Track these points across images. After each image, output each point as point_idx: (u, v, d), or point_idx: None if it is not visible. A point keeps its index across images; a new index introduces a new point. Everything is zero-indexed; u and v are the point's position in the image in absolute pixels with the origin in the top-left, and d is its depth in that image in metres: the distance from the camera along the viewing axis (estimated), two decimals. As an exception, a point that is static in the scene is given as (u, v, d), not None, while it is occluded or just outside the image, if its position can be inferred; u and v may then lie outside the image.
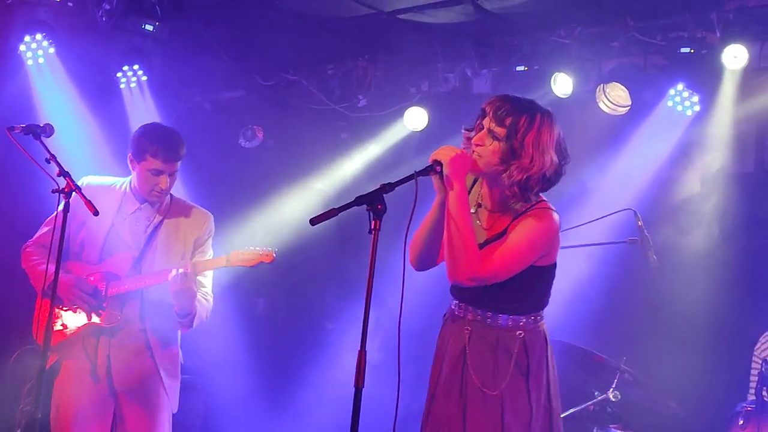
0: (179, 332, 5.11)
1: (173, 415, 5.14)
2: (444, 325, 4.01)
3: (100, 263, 4.92)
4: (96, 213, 4.44)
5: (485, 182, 3.88)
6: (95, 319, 4.86)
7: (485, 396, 3.77)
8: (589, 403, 5.88)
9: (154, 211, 5.05)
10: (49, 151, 4.50)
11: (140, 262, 4.94)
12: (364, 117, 8.14)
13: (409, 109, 7.76)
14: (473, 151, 3.77)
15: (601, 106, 6.96)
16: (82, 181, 4.98)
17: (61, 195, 4.41)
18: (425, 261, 3.98)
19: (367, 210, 3.46)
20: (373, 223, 3.44)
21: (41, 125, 4.65)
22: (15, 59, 7.30)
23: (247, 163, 8.62)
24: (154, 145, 4.92)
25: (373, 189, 3.51)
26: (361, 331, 3.38)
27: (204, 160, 8.23)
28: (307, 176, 8.45)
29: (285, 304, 8.66)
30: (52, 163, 4.47)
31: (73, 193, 4.40)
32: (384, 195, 3.50)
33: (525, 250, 3.74)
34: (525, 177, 3.68)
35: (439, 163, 3.70)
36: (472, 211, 3.88)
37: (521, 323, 3.82)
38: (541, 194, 3.84)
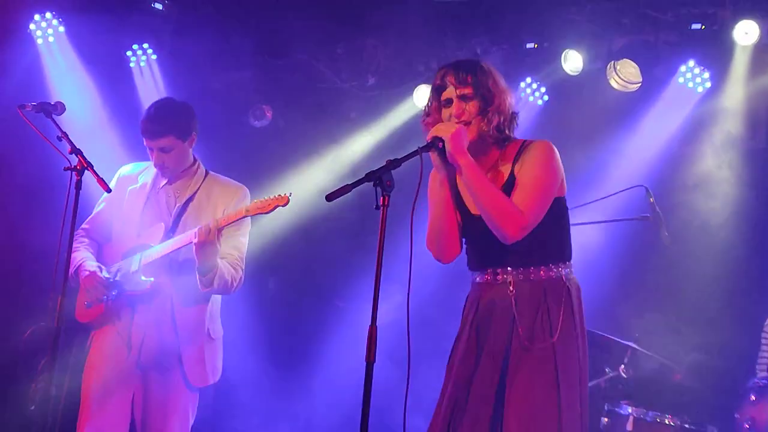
0: (214, 304, 5.13)
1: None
2: (473, 300, 3.98)
3: (138, 237, 5.00)
4: (109, 190, 4.47)
5: (474, 153, 3.87)
6: (128, 287, 4.91)
7: (538, 354, 3.74)
8: (600, 379, 5.89)
9: (186, 184, 5.10)
10: (60, 129, 4.51)
11: (173, 232, 4.99)
12: (374, 95, 8.12)
13: (418, 87, 7.75)
14: (458, 123, 3.81)
15: (612, 83, 6.95)
16: (121, 171, 5.15)
17: (73, 173, 4.41)
18: (449, 249, 3.99)
19: (374, 186, 3.47)
20: (381, 198, 3.45)
21: (52, 103, 4.67)
22: (25, 38, 7.32)
23: (256, 142, 8.59)
24: (142, 124, 5.01)
25: (380, 166, 3.51)
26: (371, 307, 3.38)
27: (213, 139, 8.21)
28: (317, 155, 8.43)
29: (295, 283, 8.65)
30: (64, 141, 4.49)
31: (86, 171, 4.42)
32: (392, 171, 3.50)
33: (546, 179, 3.81)
34: (502, 118, 3.83)
35: (440, 140, 3.72)
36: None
37: (562, 271, 3.86)
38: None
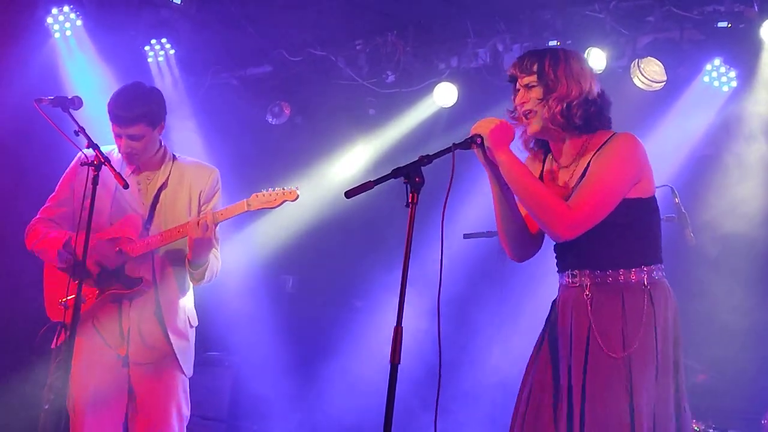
0: (190, 293, 5.02)
1: (199, 381, 5.07)
2: (556, 304, 3.88)
3: (110, 227, 4.84)
4: (126, 186, 4.38)
5: (553, 147, 3.85)
6: (116, 286, 4.79)
7: (613, 360, 3.61)
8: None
9: (154, 172, 4.95)
10: (77, 124, 4.45)
11: (149, 223, 4.86)
12: (393, 93, 8.05)
13: (438, 85, 7.68)
14: (524, 114, 3.75)
15: (636, 81, 6.86)
16: (79, 156, 4.85)
17: (90, 168, 4.34)
18: (524, 246, 3.91)
19: (404, 182, 3.38)
20: (410, 195, 3.36)
21: (69, 97, 4.60)
22: (42, 32, 7.31)
23: (274, 139, 8.57)
24: (110, 108, 4.81)
25: (411, 161, 3.42)
26: (397, 307, 3.29)
27: (231, 136, 8.20)
28: (335, 153, 8.38)
29: (313, 282, 8.64)
30: (81, 136, 4.42)
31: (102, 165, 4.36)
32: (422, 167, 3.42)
33: (610, 176, 3.65)
34: (565, 104, 3.69)
35: (480, 136, 3.63)
36: (551, 178, 3.84)
37: (644, 276, 3.69)
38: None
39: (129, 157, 4.88)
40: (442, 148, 3.54)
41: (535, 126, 3.76)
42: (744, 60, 6.61)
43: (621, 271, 3.69)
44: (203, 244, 4.70)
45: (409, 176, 3.38)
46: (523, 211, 3.86)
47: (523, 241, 3.90)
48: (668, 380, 3.66)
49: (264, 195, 4.76)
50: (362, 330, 7.85)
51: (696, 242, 5.49)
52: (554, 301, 3.92)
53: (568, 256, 3.79)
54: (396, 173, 3.39)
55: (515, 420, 3.83)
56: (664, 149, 6.83)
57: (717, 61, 6.68)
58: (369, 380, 7.22)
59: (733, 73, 6.70)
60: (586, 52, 6.85)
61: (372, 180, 3.40)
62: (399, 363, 3.31)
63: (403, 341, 3.30)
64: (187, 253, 4.84)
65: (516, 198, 3.75)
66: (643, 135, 6.81)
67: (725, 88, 6.75)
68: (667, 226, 5.53)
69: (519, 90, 3.78)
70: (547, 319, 3.91)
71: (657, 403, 3.62)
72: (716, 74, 6.73)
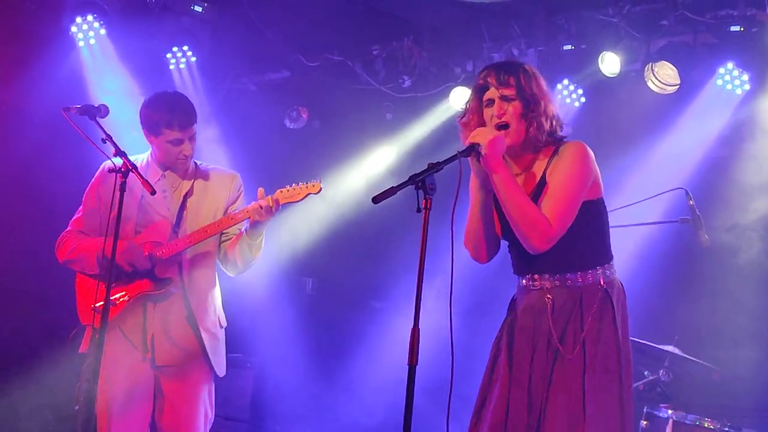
0: (219, 294, 5.11)
1: (221, 382, 5.15)
2: (516, 306, 4.00)
3: (135, 236, 4.92)
4: (153, 192, 4.48)
5: (510, 153, 3.92)
6: (146, 287, 4.87)
7: (570, 360, 3.76)
8: (639, 383, 5.87)
9: (179, 177, 5.04)
10: (105, 132, 4.52)
11: (177, 227, 4.95)
12: (410, 97, 8.12)
13: (454, 89, 7.74)
14: (498, 124, 3.82)
15: (650, 85, 6.90)
16: (104, 166, 4.99)
17: (118, 175, 4.43)
18: (489, 249, 4.02)
19: (416, 189, 3.47)
20: (423, 201, 3.45)
21: (96, 106, 4.67)
22: (67, 41, 7.39)
23: (292, 144, 8.64)
24: (167, 116, 4.88)
25: (423, 169, 3.51)
26: (414, 310, 3.39)
27: (249, 141, 8.27)
28: (353, 157, 8.46)
29: (333, 284, 8.69)
30: (108, 144, 4.49)
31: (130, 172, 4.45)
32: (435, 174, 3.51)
33: (573, 182, 3.80)
34: (543, 120, 3.81)
35: (479, 145, 3.72)
36: None
37: (599, 276, 3.85)
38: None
39: (185, 160, 4.98)
40: (448, 156, 3.62)
41: (513, 137, 3.84)
42: (757, 63, 6.63)
43: (578, 273, 3.85)
44: (265, 224, 4.83)
45: (422, 183, 3.46)
46: (496, 220, 3.98)
47: (490, 245, 4.01)
48: (623, 373, 3.78)
49: (288, 190, 4.86)
50: (381, 331, 7.90)
51: (710, 243, 5.56)
52: (512, 301, 4.04)
53: (527, 260, 3.91)
54: (411, 180, 3.47)
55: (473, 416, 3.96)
56: (678, 152, 6.89)
57: (730, 65, 6.70)
58: (388, 381, 7.27)
59: (746, 76, 6.71)
60: (600, 56, 6.93)
61: (394, 186, 3.48)
62: (417, 364, 3.38)
63: (420, 343, 3.37)
64: (213, 255, 4.98)
65: (504, 208, 3.80)
66: (658, 138, 6.99)
67: (738, 91, 6.76)
68: (682, 228, 5.65)
69: (492, 100, 3.85)
70: (505, 319, 4.02)
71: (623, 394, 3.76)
72: (729, 77, 6.74)
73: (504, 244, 4.06)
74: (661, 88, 6.90)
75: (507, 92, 3.83)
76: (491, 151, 3.69)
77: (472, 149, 3.71)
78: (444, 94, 7.86)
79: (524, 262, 3.94)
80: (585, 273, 3.85)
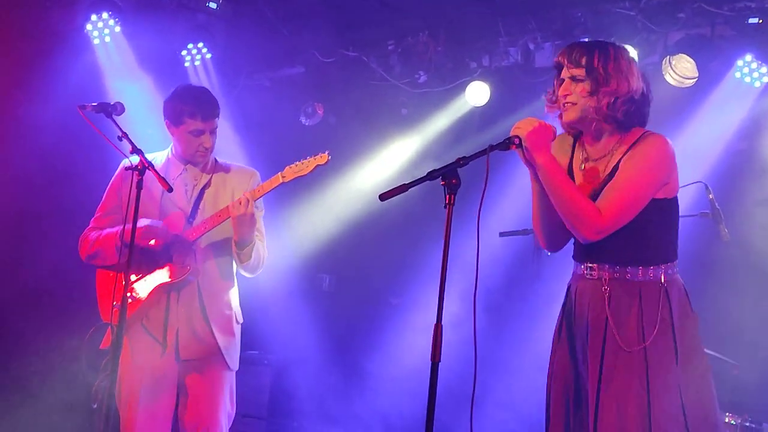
0: (235, 290, 5.12)
1: (239, 379, 5.16)
2: (571, 293, 3.96)
3: None
4: (170, 189, 4.48)
5: (586, 137, 3.90)
6: (165, 277, 4.88)
7: (629, 354, 3.70)
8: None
9: (199, 171, 5.08)
10: (121, 129, 4.54)
11: (192, 218, 4.97)
12: (425, 93, 8.08)
13: (470, 84, 7.69)
14: (565, 104, 3.81)
15: (668, 78, 6.86)
16: (123, 164, 5.00)
17: (135, 172, 4.43)
18: (557, 238, 4.00)
19: (441, 184, 3.45)
20: (447, 197, 3.44)
21: (112, 103, 4.68)
22: (82, 39, 7.40)
23: (307, 140, 8.61)
24: (190, 106, 4.94)
25: (448, 163, 3.49)
26: (437, 306, 3.37)
27: (265, 137, 8.26)
28: (368, 153, 8.43)
29: (349, 281, 8.69)
30: (125, 141, 4.50)
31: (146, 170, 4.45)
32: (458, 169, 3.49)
33: (641, 178, 3.72)
34: (612, 99, 3.72)
35: (518, 138, 3.70)
36: (581, 168, 3.90)
37: (661, 274, 3.78)
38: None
39: (205, 153, 5.01)
40: (478, 149, 3.59)
41: (571, 114, 3.81)
42: (776, 56, 6.60)
43: (639, 268, 3.78)
44: (244, 221, 4.80)
45: (446, 178, 3.45)
46: None
47: (557, 235, 3.98)
48: (692, 367, 3.72)
49: (296, 165, 4.89)
50: (398, 327, 7.89)
51: (729, 238, 5.51)
52: (568, 287, 3.99)
53: (588, 248, 3.86)
54: (432, 175, 3.46)
55: (547, 411, 3.94)
56: (697, 145, 6.83)
57: (748, 57, 6.65)
58: (406, 377, 7.27)
59: (764, 69, 6.65)
60: (618, 49, 6.87)
61: (406, 183, 3.47)
62: (440, 361, 3.37)
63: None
64: (229, 248, 4.96)
65: (550, 197, 3.79)
66: (676, 131, 6.93)
67: (757, 84, 6.72)
68: (701, 222, 5.60)
69: (563, 80, 3.83)
70: (563, 306, 3.99)
71: (682, 391, 3.68)
72: (748, 70, 6.69)
73: None
74: (678, 82, 6.85)
75: (576, 72, 3.79)
76: (532, 142, 3.67)
77: (509, 142, 3.69)
78: (460, 89, 7.80)
79: (584, 249, 3.89)
80: (646, 268, 3.78)
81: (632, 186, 3.71)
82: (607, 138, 3.85)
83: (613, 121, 3.78)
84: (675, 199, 3.87)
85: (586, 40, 3.88)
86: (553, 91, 3.92)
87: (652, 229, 3.78)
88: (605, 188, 3.75)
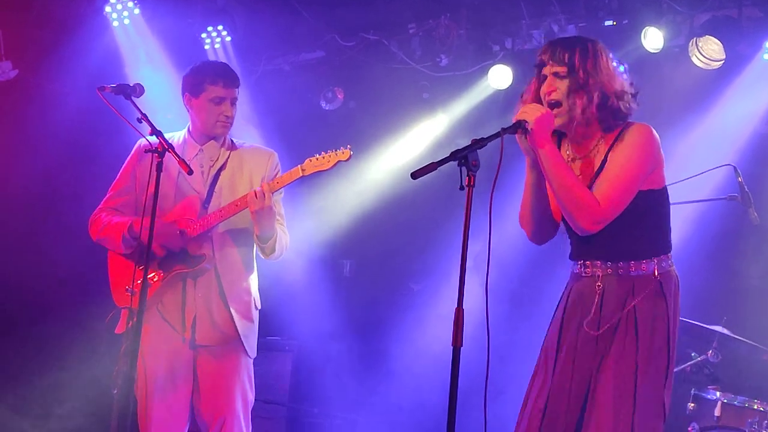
0: (255, 276, 5.07)
1: (260, 365, 5.14)
2: (566, 293, 3.94)
3: (172, 210, 4.90)
4: (190, 172, 4.44)
5: (571, 135, 3.87)
6: (179, 266, 4.84)
7: (620, 350, 3.68)
8: (686, 365, 5.76)
9: (217, 152, 5.02)
10: (140, 111, 4.52)
11: (207, 203, 4.92)
12: (447, 76, 7.99)
13: (493, 67, 7.61)
14: (548, 101, 3.76)
15: (694, 60, 6.77)
16: (139, 144, 5.00)
17: (154, 154, 4.40)
18: (544, 231, 3.98)
19: (459, 166, 3.40)
20: (466, 179, 3.39)
21: (131, 85, 4.66)
22: (101, 21, 7.38)
23: (328, 124, 8.57)
24: (211, 74, 4.94)
25: (465, 145, 3.45)
26: (458, 290, 3.32)
27: (285, 122, 8.22)
28: (389, 138, 8.37)
29: (370, 266, 8.65)
30: (144, 123, 4.48)
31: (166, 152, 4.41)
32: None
33: (630, 166, 3.70)
34: (593, 100, 3.70)
35: (525, 122, 3.65)
36: (570, 162, 3.88)
37: (654, 267, 3.75)
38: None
39: (226, 122, 4.97)
40: (492, 133, 3.56)
41: (559, 120, 3.76)
42: (804, 36, 6.51)
43: (632, 262, 3.76)
44: (263, 214, 4.74)
45: (466, 159, 3.40)
46: (552, 200, 3.91)
47: (545, 227, 3.97)
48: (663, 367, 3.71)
49: (317, 159, 4.82)
50: (420, 313, 7.85)
51: (759, 221, 5.43)
52: (565, 288, 3.97)
53: (582, 245, 3.85)
54: (453, 156, 3.41)
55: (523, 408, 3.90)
56: (725, 128, 6.76)
57: (776, 38, 6.59)
58: (427, 363, 7.23)
59: (793, 50, 6.60)
60: (643, 31, 6.78)
61: (435, 161, 3.42)
62: (461, 346, 3.33)
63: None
64: (249, 233, 4.90)
65: (551, 187, 3.76)
66: (702, 114, 6.86)
67: (786, 66, 6.66)
68: (731, 205, 5.52)
69: (546, 77, 3.79)
70: (557, 308, 3.96)
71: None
72: (776, 51, 6.64)
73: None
74: (705, 64, 6.77)
75: (559, 69, 3.75)
76: (538, 127, 3.63)
77: (518, 126, 3.65)
78: (482, 72, 7.72)
79: (578, 247, 3.89)
80: (639, 262, 3.75)
81: (623, 174, 3.70)
82: (592, 134, 3.83)
83: (598, 119, 3.76)
84: (664, 190, 3.85)
85: (567, 36, 3.83)
86: (526, 89, 3.90)
87: (642, 223, 3.77)
88: (597, 181, 3.73)
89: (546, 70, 3.79)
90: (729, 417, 5.57)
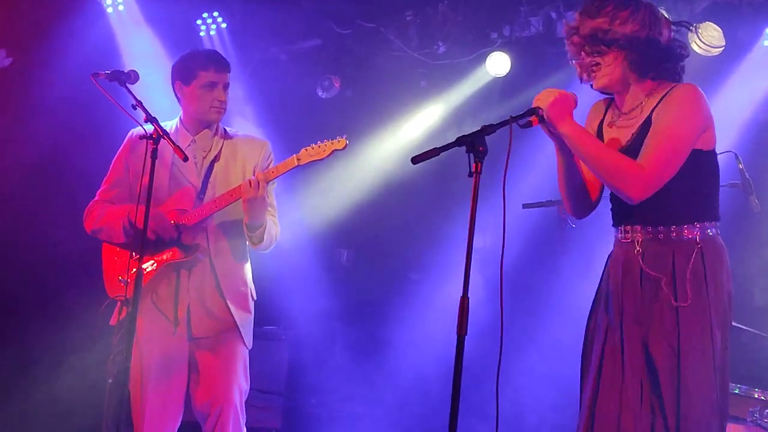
0: (249, 265, 5.02)
1: (256, 355, 5.09)
2: (609, 260, 3.85)
3: (166, 201, 4.85)
4: (185, 158, 4.38)
5: (618, 96, 3.80)
6: (173, 256, 4.79)
7: (663, 312, 3.58)
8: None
9: (210, 142, 4.96)
10: (135, 98, 4.45)
11: (203, 194, 4.87)
12: (445, 64, 7.95)
13: (491, 54, 7.57)
14: (592, 69, 3.69)
15: (694, 46, 6.68)
16: (132, 133, 4.96)
17: (149, 141, 4.34)
18: (581, 207, 3.92)
19: (467, 152, 3.35)
20: (473, 165, 3.33)
21: (126, 71, 4.59)
22: (95, 7, 7.33)
23: (325, 113, 8.52)
24: (202, 60, 4.89)
25: (473, 131, 3.40)
26: (463, 278, 3.27)
27: (281, 110, 8.17)
28: (387, 126, 8.32)
29: (368, 255, 8.63)
30: (139, 110, 4.42)
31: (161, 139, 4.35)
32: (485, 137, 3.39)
33: (679, 126, 3.57)
34: (630, 51, 3.61)
35: (539, 109, 3.59)
36: (610, 125, 3.80)
37: (696, 233, 3.62)
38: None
39: (220, 106, 4.91)
40: (502, 119, 3.49)
41: (600, 82, 3.71)
42: (805, 22, 6.47)
43: (673, 227, 3.63)
44: (256, 204, 4.68)
45: (473, 146, 3.35)
46: (586, 174, 3.84)
47: (585, 203, 3.91)
48: (716, 336, 3.58)
49: (313, 148, 4.75)
50: (418, 302, 7.81)
51: (761, 209, 5.38)
52: (609, 255, 3.87)
53: (623, 210, 3.75)
54: (460, 141, 3.36)
55: (585, 385, 3.80)
56: (726, 115, 6.64)
57: (777, 24, 6.56)
58: (425, 353, 7.21)
59: (794, 37, 6.56)
60: (643, 17, 6.73)
61: (438, 147, 3.38)
62: (466, 334, 3.28)
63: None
64: (243, 222, 4.82)
65: (586, 165, 3.69)
66: (703, 101, 6.76)
67: (787, 52, 6.62)
68: (732, 193, 5.47)
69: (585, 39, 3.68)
70: (601, 279, 3.88)
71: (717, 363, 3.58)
72: (777, 38, 6.60)
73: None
74: (705, 50, 6.69)
75: (594, 28, 3.63)
76: (554, 113, 3.56)
77: (530, 114, 3.58)
78: (480, 59, 7.67)
79: (619, 212, 3.78)
80: (680, 227, 3.61)
81: (671, 135, 3.56)
82: (636, 89, 3.72)
83: (637, 72, 3.66)
84: (712, 153, 3.70)
85: None
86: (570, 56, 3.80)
87: (685, 185, 3.62)
88: (644, 143, 3.60)
89: (586, 28, 3.65)
90: (730, 406, 5.52)
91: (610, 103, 3.88)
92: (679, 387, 3.51)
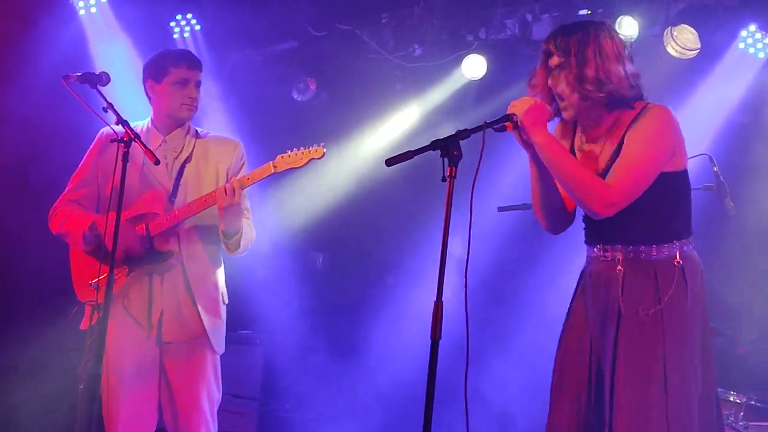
0: (222, 270, 4.97)
1: (230, 360, 5.06)
2: (585, 275, 3.87)
3: (136, 203, 4.78)
4: (157, 162, 4.33)
5: (581, 122, 3.82)
6: (144, 261, 4.74)
7: (642, 319, 3.62)
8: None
9: (181, 142, 4.91)
10: (106, 100, 4.42)
11: (174, 196, 4.81)
12: (420, 67, 7.92)
13: (467, 56, 7.56)
14: (556, 93, 3.70)
15: (669, 49, 6.74)
16: (102, 133, 4.91)
17: (120, 144, 4.29)
18: (558, 221, 3.93)
19: (441, 156, 3.35)
20: (448, 169, 3.33)
21: (97, 74, 4.54)
22: (67, 9, 7.27)
23: (300, 116, 8.48)
24: (173, 58, 4.88)
25: (448, 135, 3.40)
26: (437, 282, 3.28)
27: (256, 113, 8.13)
28: (362, 129, 8.29)
29: (344, 258, 8.59)
30: (110, 112, 4.38)
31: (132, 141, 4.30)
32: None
33: (648, 149, 3.62)
34: (594, 86, 3.61)
35: (514, 115, 3.61)
36: (582, 150, 3.81)
37: (676, 251, 3.68)
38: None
39: (192, 104, 4.87)
40: (477, 124, 3.50)
41: (567, 113, 3.72)
42: (780, 26, 6.49)
43: (653, 246, 3.68)
44: (232, 211, 4.64)
45: (448, 150, 3.34)
46: (561, 189, 3.85)
47: (559, 217, 3.92)
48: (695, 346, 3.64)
49: (290, 156, 4.69)
50: (394, 306, 7.80)
51: (735, 211, 5.39)
52: (583, 272, 3.90)
53: (599, 229, 3.77)
54: (435, 145, 3.36)
55: (553, 394, 3.85)
56: (700, 117, 6.73)
57: (752, 27, 6.58)
58: (400, 357, 7.20)
59: (769, 39, 6.58)
60: (618, 20, 6.73)
61: (412, 150, 3.38)
62: (440, 339, 3.28)
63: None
64: (216, 228, 4.78)
65: (554, 177, 3.72)
66: (679, 103, 6.79)
67: (761, 55, 6.64)
68: (706, 195, 5.47)
69: (552, 68, 3.70)
70: (576, 291, 3.90)
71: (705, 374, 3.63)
72: (752, 41, 6.62)
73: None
74: (681, 53, 6.74)
75: (560, 60, 3.66)
76: (529, 121, 3.59)
77: (504, 120, 3.60)
78: (456, 62, 7.66)
79: (596, 230, 3.81)
80: (660, 246, 3.68)
81: (640, 157, 3.61)
82: (606, 117, 3.74)
83: (605, 104, 3.68)
84: (684, 173, 3.77)
85: (573, 22, 3.75)
86: (532, 77, 3.81)
87: (662, 205, 3.70)
88: (614, 163, 3.64)
89: (552, 61, 3.69)
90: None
91: (574, 127, 3.89)
92: (667, 403, 3.54)
